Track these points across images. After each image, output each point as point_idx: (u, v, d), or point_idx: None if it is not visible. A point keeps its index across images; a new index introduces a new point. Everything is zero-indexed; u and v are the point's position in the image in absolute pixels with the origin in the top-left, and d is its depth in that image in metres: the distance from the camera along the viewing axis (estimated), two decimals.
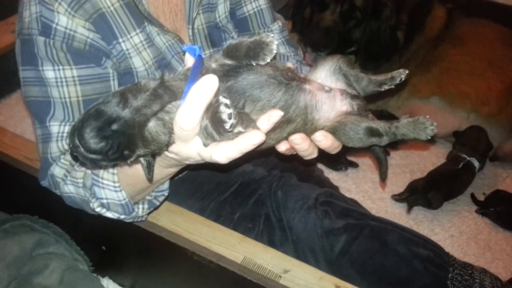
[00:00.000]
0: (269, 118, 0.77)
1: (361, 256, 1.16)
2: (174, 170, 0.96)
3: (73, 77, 1.00)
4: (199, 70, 0.75)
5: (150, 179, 0.84)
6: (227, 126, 0.71)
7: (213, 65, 0.79)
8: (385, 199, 2.01)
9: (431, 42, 2.23)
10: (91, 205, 1.00)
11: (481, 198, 2.00)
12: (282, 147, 0.88)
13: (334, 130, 0.85)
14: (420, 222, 1.92)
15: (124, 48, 1.04)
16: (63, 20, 0.98)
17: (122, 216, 1.03)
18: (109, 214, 1.02)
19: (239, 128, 0.74)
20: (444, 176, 1.95)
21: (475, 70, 2.16)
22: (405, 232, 1.22)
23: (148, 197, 1.06)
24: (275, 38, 1.30)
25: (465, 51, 2.19)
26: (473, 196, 1.99)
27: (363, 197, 2.00)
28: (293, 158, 1.02)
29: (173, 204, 1.21)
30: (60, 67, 1.00)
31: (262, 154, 1.36)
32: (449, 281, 1.15)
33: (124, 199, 0.99)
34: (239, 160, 0.77)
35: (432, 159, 2.19)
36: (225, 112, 0.70)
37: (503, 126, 2.13)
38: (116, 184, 0.97)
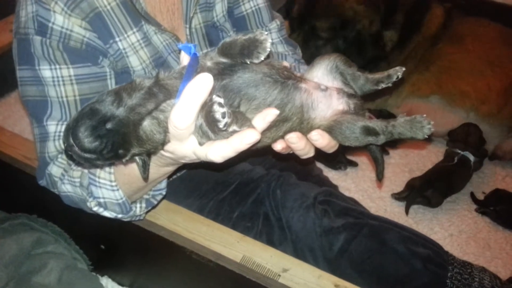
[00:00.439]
0: (265, 117, 0.77)
1: (360, 255, 1.16)
2: (170, 169, 0.95)
3: (70, 76, 1.00)
4: (194, 68, 0.74)
5: (145, 178, 0.84)
6: (221, 125, 0.71)
7: (208, 63, 0.79)
8: (385, 198, 2.01)
9: (429, 41, 2.23)
10: (88, 204, 1.00)
11: (481, 197, 1.99)
12: (278, 146, 0.87)
13: (330, 129, 0.85)
14: (419, 221, 1.91)
15: (121, 47, 1.04)
16: (59, 19, 0.98)
17: (120, 215, 1.03)
18: (106, 213, 1.02)
19: (234, 127, 0.74)
20: (440, 174, 1.96)
21: (474, 69, 2.15)
22: (404, 231, 1.21)
23: (145, 196, 1.06)
24: (273, 37, 1.32)
25: (464, 50, 2.19)
26: (472, 195, 1.99)
27: (362, 196, 2.00)
28: (290, 158, 1.02)
29: (172, 203, 1.21)
30: (57, 66, 1.00)
31: (258, 153, 1.36)
32: (448, 280, 1.15)
33: (121, 198, 0.99)
34: (234, 159, 0.77)
35: (431, 158, 2.18)
36: (218, 111, 0.70)
37: (502, 125, 2.13)
38: (113, 183, 0.97)
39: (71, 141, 0.70)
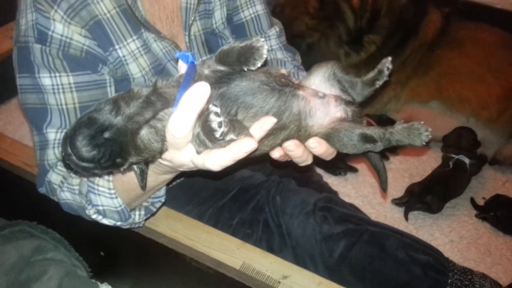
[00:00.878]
0: (262, 125, 0.77)
1: (360, 262, 1.16)
2: (169, 176, 0.95)
3: (69, 84, 1.01)
4: (192, 77, 0.75)
5: (143, 186, 0.83)
6: (217, 134, 0.70)
7: (206, 72, 0.79)
8: (385, 204, 2.01)
9: (427, 46, 2.24)
10: (87, 211, 1.00)
11: (481, 202, 1.99)
12: (276, 154, 0.87)
13: (328, 137, 0.85)
14: (419, 227, 1.91)
15: (121, 54, 1.04)
16: (59, 28, 0.98)
17: (119, 223, 1.03)
18: (105, 221, 1.02)
19: (231, 136, 0.74)
20: (438, 179, 1.96)
21: (474, 75, 2.16)
22: (404, 237, 1.21)
23: (144, 204, 1.06)
24: (272, 43, 1.32)
25: (464, 55, 2.19)
26: (472, 201, 1.99)
27: (362, 202, 2.00)
28: (288, 165, 1.02)
29: (172, 210, 1.21)
30: (57, 74, 1.00)
31: (256, 161, 1.36)
32: (448, 287, 1.15)
33: (120, 206, 0.99)
34: (232, 167, 0.77)
35: (431, 163, 2.18)
36: (215, 120, 0.70)
37: (502, 130, 2.13)
38: (112, 191, 0.97)
39: (69, 150, 0.70)
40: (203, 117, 0.72)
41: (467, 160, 1.99)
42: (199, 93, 0.71)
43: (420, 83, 2.24)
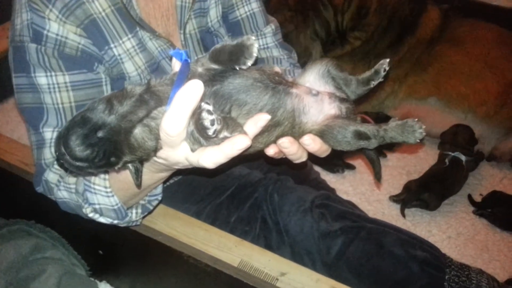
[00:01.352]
0: (257, 122, 0.77)
1: (358, 259, 1.16)
2: (164, 174, 0.96)
3: (65, 83, 1.01)
4: (185, 75, 0.74)
5: (138, 185, 0.84)
6: (210, 132, 0.71)
7: (200, 70, 0.79)
8: (382, 201, 2.01)
9: (425, 43, 2.24)
10: (84, 210, 1.00)
11: (478, 199, 1.99)
12: (271, 151, 0.87)
13: (322, 134, 0.85)
14: (417, 223, 1.91)
15: (116, 53, 1.04)
16: (54, 27, 0.98)
17: (116, 221, 1.03)
18: (102, 220, 1.02)
19: (224, 133, 0.74)
20: (434, 177, 1.97)
21: (472, 71, 2.16)
22: (402, 234, 1.22)
23: (141, 202, 1.06)
24: (268, 41, 1.32)
25: (462, 52, 2.19)
26: (470, 197, 1.99)
27: (360, 199, 2.00)
28: (283, 162, 1.02)
29: (170, 208, 1.21)
30: (52, 73, 1.00)
31: (251, 158, 1.36)
32: (446, 283, 1.15)
33: (117, 204, 0.99)
34: (227, 165, 0.77)
35: (429, 160, 2.18)
36: (207, 118, 0.70)
37: (500, 127, 2.13)
38: (108, 190, 0.97)
39: (63, 149, 0.70)
40: (196, 115, 0.72)
41: (463, 157, 1.99)
42: (192, 91, 0.71)
43: (418, 80, 2.23)
